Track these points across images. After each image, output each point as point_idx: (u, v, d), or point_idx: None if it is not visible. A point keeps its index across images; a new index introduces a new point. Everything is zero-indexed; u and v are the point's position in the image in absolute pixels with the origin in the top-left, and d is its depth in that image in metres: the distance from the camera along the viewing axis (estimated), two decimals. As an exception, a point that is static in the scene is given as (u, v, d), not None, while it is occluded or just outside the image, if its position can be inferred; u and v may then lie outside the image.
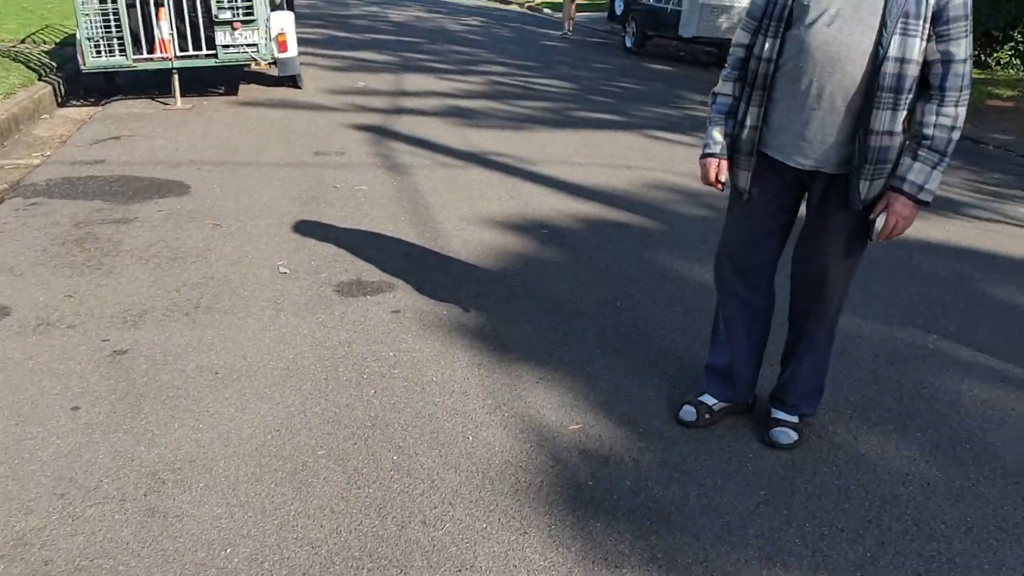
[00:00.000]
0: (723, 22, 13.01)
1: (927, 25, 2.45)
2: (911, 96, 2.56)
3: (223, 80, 9.64)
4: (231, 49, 8.34)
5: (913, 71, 2.50)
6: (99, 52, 8.03)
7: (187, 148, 6.79)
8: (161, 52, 8.22)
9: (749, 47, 2.77)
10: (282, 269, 4.46)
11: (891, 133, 2.57)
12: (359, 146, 7.08)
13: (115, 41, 8.01)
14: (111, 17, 7.92)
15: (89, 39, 7.93)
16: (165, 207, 5.35)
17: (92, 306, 3.95)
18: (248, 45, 8.36)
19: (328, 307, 4.04)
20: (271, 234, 4.95)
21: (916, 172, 2.58)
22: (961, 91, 2.53)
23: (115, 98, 8.77)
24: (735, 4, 12.96)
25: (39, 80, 8.60)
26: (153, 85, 9.02)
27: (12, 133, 7.16)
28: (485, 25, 18.19)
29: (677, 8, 13.61)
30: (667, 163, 7.13)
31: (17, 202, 5.37)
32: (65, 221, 5.02)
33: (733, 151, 2.85)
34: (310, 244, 4.80)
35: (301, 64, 9.50)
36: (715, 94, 2.90)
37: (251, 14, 8.23)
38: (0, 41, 10.34)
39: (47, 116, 8.02)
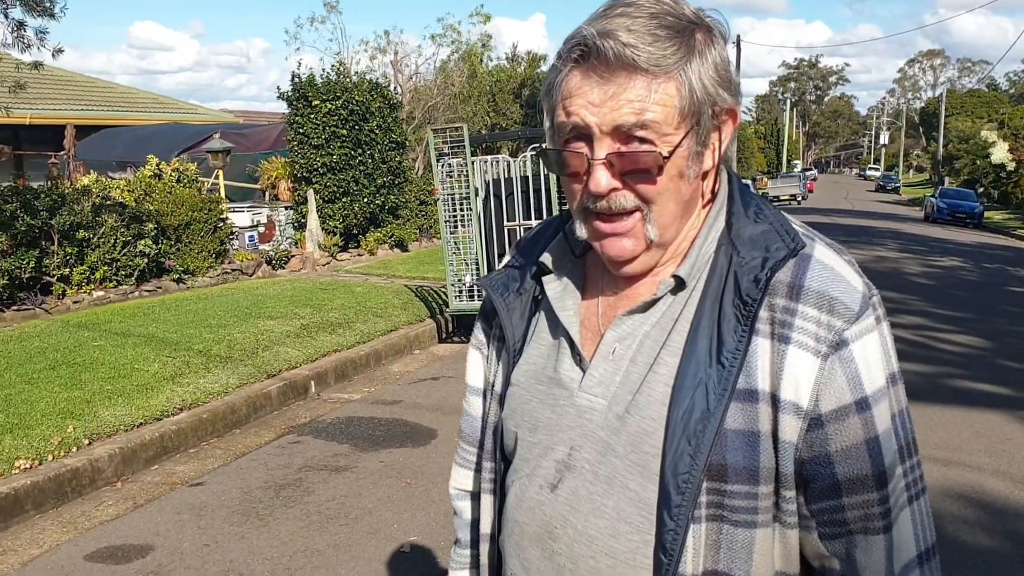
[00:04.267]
0: None
1: (788, 492, 1.05)
2: None
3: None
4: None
5: None
6: (462, 296, 8.81)
7: (482, 395, 6.95)
8: (516, 298, 8.72)
9: (474, 497, 1.43)
10: (405, 548, 4.19)
11: None
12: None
13: (475, 288, 8.72)
14: (473, 267, 8.69)
15: (452, 285, 8.77)
16: (390, 459, 5.46)
17: (211, 560, 4.08)
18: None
19: (396, 605, 3.65)
20: (445, 500, 4.72)
21: None
22: None
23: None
24: None
25: (429, 317, 9.67)
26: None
27: (369, 368, 8.07)
28: (953, 269, 16.20)
29: None
30: (1017, 463, 5.37)
31: (287, 439, 5.94)
32: (296, 463, 5.39)
33: None
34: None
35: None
36: None
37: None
38: (423, 279, 11.94)
39: (418, 351, 8.92)
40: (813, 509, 1.05)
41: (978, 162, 45.09)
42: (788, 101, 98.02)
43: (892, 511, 1.03)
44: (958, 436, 5.84)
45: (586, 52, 1.02)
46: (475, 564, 1.39)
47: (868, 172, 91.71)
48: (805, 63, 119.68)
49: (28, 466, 4.81)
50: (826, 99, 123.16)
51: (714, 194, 1.15)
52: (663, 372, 1.07)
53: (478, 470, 1.37)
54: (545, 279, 1.22)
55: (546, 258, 1.22)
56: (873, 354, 1.03)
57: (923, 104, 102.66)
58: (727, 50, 1.09)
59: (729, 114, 1.09)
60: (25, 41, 9.91)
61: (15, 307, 9.05)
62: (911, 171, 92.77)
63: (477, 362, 1.37)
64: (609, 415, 1.10)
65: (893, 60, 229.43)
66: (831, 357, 1.01)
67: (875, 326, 1.04)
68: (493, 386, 1.29)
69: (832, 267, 1.05)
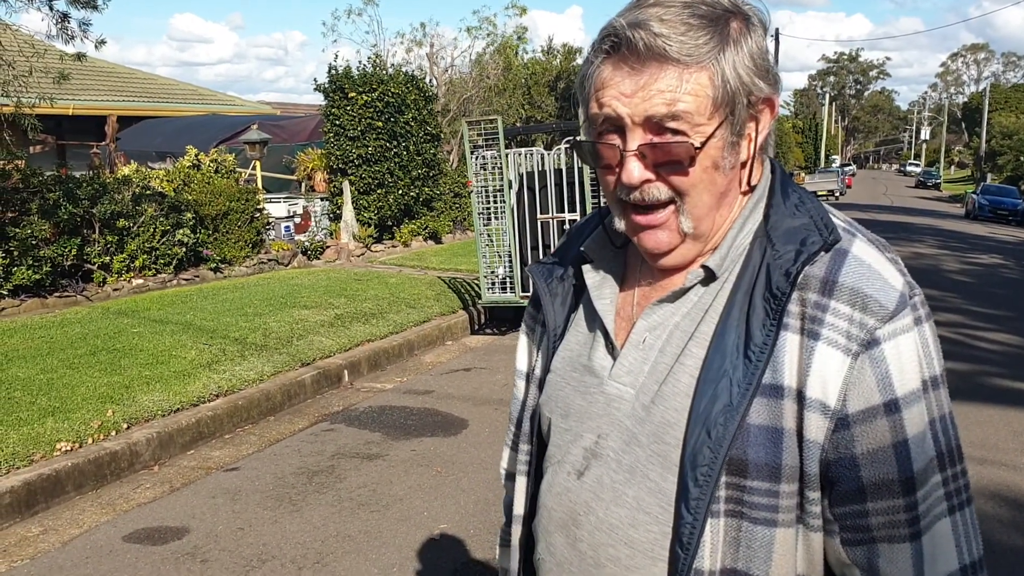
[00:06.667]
0: None
1: (813, 494, 1.03)
2: None
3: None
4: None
5: None
6: (495, 288, 8.85)
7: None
8: (549, 290, 8.74)
9: (512, 477, 1.41)
10: (436, 533, 4.23)
11: None
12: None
13: (507, 280, 8.76)
14: (506, 259, 8.72)
15: (485, 277, 8.81)
16: (421, 447, 5.51)
17: (245, 543, 4.16)
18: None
19: (425, 591, 3.70)
20: (475, 489, 4.76)
21: None
22: None
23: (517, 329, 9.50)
24: None
25: (461, 309, 9.72)
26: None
27: (401, 358, 8.13)
28: (993, 267, 15.95)
29: None
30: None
31: (320, 427, 6.02)
32: (329, 451, 5.46)
33: None
34: (499, 505, 4.51)
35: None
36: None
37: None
38: (456, 271, 11.98)
39: (450, 342, 8.97)
40: (837, 513, 1.03)
41: (1022, 158, 44.29)
42: (827, 95, 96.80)
43: (921, 519, 0.99)
44: (995, 435, 5.77)
45: (617, 43, 1.01)
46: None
47: (908, 168, 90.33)
48: (845, 57, 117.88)
49: (69, 448, 4.92)
50: (866, 94, 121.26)
51: (752, 185, 1.12)
52: (690, 363, 1.06)
53: (516, 451, 1.37)
54: (585, 268, 1.22)
55: (587, 248, 1.22)
56: (908, 356, 1.00)
57: (966, 99, 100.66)
58: (766, 39, 1.06)
59: (766, 103, 1.07)
60: (69, 33, 10.08)
61: (57, 294, 9.23)
62: (952, 167, 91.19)
63: (524, 346, 1.39)
64: (636, 404, 1.10)
65: (935, 54, 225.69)
66: (861, 356, 0.99)
67: (913, 327, 1.00)
68: (534, 370, 1.31)
69: (869, 264, 1.02)
